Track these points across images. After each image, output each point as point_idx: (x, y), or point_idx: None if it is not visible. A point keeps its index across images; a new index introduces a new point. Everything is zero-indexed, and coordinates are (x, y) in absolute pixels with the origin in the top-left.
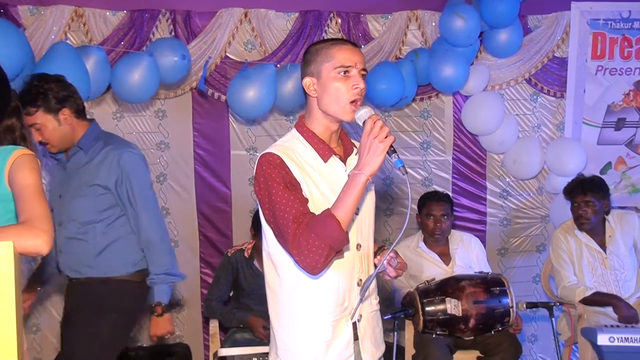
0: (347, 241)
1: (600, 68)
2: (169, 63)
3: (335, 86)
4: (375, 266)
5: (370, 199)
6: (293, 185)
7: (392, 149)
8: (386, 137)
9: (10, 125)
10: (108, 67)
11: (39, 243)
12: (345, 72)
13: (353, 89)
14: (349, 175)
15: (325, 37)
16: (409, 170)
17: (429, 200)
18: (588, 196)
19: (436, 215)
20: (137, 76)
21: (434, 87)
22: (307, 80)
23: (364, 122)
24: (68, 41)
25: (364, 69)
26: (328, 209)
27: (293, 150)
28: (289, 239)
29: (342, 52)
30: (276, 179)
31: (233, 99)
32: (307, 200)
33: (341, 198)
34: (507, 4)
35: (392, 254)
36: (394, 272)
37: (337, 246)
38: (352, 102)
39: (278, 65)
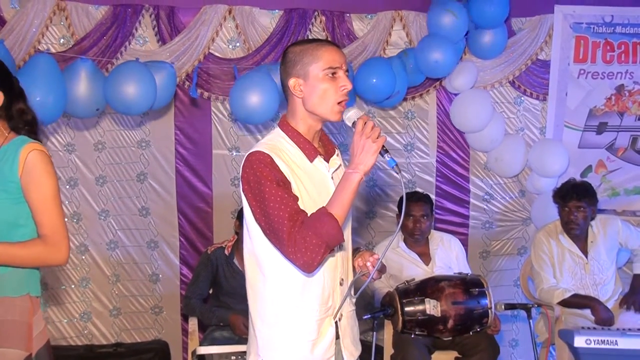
0: (343, 239)
1: (582, 72)
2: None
3: (324, 87)
4: (354, 268)
5: None
6: (284, 184)
7: (384, 148)
8: (378, 137)
9: (21, 109)
10: (100, 78)
11: (60, 257)
12: (333, 73)
13: (341, 90)
14: (344, 173)
15: (310, 36)
16: (394, 172)
17: (409, 200)
18: (582, 202)
19: (416, 215)
20: (133, 89)
21: (417, 87)
22: (292, 81)
23: (353, 123)
24: (49, 35)
25: (347, 70)
26: (324, 207)
27: (280, 149)
28: (284, 237)
29: (329, 54)
30: (268, 177)
31: (236, 107)
32: (297, 199)
33: (336, 196)
34: (497, 5)
35: (376, 256)
36: (377, 274)
37: (334, 243)
38: (339, 102)
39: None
